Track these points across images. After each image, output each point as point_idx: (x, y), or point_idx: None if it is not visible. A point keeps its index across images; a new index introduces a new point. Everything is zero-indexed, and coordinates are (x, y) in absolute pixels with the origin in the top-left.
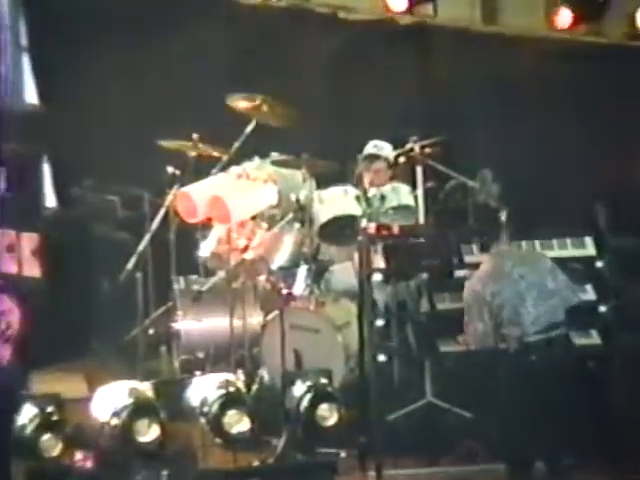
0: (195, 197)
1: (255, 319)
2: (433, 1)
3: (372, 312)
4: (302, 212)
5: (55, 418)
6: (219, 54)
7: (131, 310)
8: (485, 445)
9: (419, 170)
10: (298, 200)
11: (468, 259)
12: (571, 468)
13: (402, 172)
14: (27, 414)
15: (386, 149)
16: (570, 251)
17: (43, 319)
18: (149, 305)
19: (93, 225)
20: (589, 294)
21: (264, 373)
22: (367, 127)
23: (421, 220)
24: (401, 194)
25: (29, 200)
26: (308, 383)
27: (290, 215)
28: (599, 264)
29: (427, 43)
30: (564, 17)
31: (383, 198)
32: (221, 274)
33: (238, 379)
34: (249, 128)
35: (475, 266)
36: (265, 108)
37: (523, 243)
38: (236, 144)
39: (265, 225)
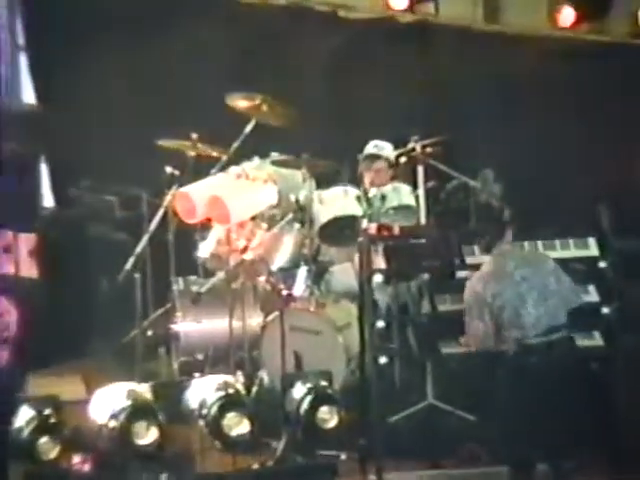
0: (194, 197)
1: (255, 320)
2: None
3: (373, 313)
4: (302, 212)
5: (53, 421)
6: (219, 54)
7: (129, 311)
8: (487, 448)
9: (420, 170)
10: (298, 200)
11: (470, 260)
12: (573, 471)
13: (403, 172)
14: (24, 416)
15: (387, 149)
16: (573, 252)
17: (40, 320)
18: (148, 306)
19: (91, 225)
20: (592, 295)
21: (264, 375)
22: (368, 127)
23: (422, 220)
24: (402, 194)
25: (26, 200)
26: (308, 385)
27: (290, 215)
28: (602, 265)
29: (428, 42)
30: (567, 15)
31: (384, 198)
32: (220, 275)
33: (237, 381)
34: (248, 128)
35: (476, 267)
36: (265, 107)
37: (525, 244)
38: (235, 144)
39: (265, 226)
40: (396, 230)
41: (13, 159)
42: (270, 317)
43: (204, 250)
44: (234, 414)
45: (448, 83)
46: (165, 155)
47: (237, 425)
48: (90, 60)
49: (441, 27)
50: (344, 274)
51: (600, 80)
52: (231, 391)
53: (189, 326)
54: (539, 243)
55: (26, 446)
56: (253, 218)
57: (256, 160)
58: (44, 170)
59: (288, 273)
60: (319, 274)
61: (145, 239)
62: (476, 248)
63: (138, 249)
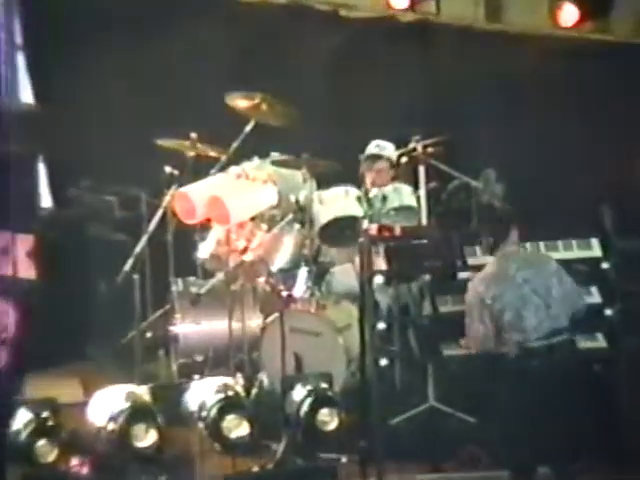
0: (194, 197)
1: (255, 322)
2: None
3: (374, 315)
4: (302, 213)
5: (50, 423)
6: (219, 54)
7: (128, 313)
8: (488, 450)
9: (421, 170)
10: (298, 201)
11: (471, 261)
12: (575, 473)
13: (404, 172)
14: (22, 419)
15: (389, 149)
16: (575, 252)
17: (38, 322)
18: (147, 307)
19: (89, 226)
20: (595, 297)
21: (264, 377)
22: (369, 127)
23: (424, 221)
24: (403, 195)
25: (24, 201)
26: (308, 387)
27: (290, 216)
28: (605, 265)
29: (429, 41)
30: (569, 14)
31: (385, 199)
32: (220, 276)
33: (237, 383)
34: (248, 128)
35: (478, 268)
36: (264, 107)
37: (528, 245)
38: (235, 144)
39: (265, 226)
40: (397, 231)
41: (11, 159)
42: (270, 318)
43: (203, 251)
44: (234, 416)
45: (449, 83)
46: (164, 155)
47: (237, 427)
48: (89, 60)
49: (442, 26)
50: (345, 275)
51: (603, 79)
52: (231, 393)
53: (188, 328)
54: (541, 244)
55: (24, 449)
56: (253, 219)
57: (256, 160)
58: (42, 170)
59: (288, 274)
60: (319, 275)
61: (144, 240)
62: (478, 249)
63: (137, 250)
